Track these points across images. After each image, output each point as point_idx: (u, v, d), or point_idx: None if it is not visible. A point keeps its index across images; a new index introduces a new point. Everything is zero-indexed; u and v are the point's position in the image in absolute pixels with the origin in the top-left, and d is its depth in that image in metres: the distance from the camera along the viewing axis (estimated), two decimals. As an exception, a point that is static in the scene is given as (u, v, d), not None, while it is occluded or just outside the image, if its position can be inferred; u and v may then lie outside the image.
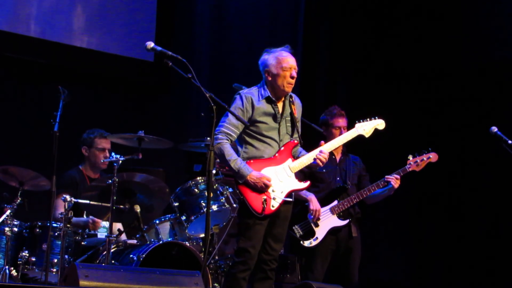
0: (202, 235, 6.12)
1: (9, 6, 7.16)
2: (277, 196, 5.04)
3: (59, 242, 5.59)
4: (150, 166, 6.69)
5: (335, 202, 5.99)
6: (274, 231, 5.10)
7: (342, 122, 6.06)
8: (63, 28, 7.42)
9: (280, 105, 5.16)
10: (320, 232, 5.94)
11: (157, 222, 6.12)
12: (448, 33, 8.42)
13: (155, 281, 4.73)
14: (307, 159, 5.15)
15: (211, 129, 4.66)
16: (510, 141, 5.69)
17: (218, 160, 5.15)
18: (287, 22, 8.61)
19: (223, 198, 6.05)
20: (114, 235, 5.77)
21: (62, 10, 7.39)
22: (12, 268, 5.45)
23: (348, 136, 5.46)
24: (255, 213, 4.97)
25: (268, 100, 5.11)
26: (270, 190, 5.02)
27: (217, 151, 4.96)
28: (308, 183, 5.18)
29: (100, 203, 5.71)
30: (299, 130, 5.27)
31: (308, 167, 5.27)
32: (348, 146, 6.11)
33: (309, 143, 5.35)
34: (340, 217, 5.99)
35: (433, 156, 6.02)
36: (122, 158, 5.72)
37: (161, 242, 5.79)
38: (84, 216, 6.14)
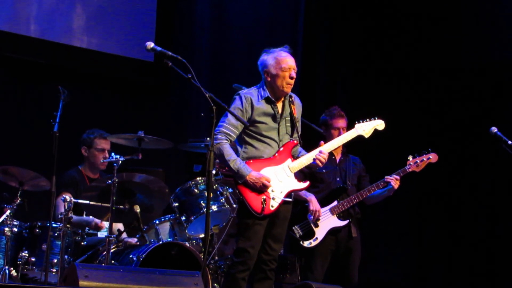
0: (202, 236, 6.12)
1: (9, 6, 7.16)
2: (276, 196, 5.04)
3: (59, 242, 5.59)
4: (150, 167, 6.69)
5: (335, 203, 5.99)
6: (273, 231, 5.10)
7: (341, 123, 6.06)
8: (63, 28, 7.42)
9: (279, 105, 5.16)
10: (320, 233, 5.94)
11: (157, 222, 6.12)
12: (448, 33, 8.42)
13: (155, 281, 4.73)
14: (306, 159, 5.15)
15: (211, 129, 4.66)
16: (510, 142, 5.68)
17: (217, 160, 5.15)
18: (287, 22, 8.61)
19: (223, 199, 6.06)
20: (114, 235, 5.77)
21: (62, 10, 7.39)
22: (12, 268, 5.45)
23: (347, 136, 5.46)
24: (254, 213, 4.98)
25: (268, 100, 5.12)
26: (269, 190, 5.02)
27: (217, 151, 4.96)
28: (307, 183, 5.19)
29: (100, 203, 5.71)
30: (299, 130, 5.27)
31: (308, 167, 5.28)
32: (348, 147, 6.11)
33: (309, 143, 5.35)
34: (340, 217, 5.99)
35: (433, 157, 6.02)
36: (122, 159, 5.72)
37: (161, 242, 5.79)
38: (84, 216, 6.14)
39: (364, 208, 6.28)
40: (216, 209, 6.00)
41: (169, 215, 6.19)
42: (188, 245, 5.84)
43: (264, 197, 5.00)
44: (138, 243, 6.02)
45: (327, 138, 5.81)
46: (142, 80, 7.89)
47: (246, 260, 4.98)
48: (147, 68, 7.81)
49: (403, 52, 8.58)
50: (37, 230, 5.71)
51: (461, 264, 8.21)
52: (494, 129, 5.80)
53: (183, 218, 6.02)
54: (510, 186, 7.81)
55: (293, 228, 5.92)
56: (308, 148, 5.27)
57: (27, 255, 5.59)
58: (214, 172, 5.97)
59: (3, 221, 5.56)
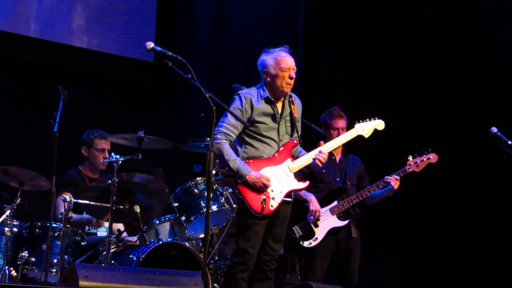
0: (202, 236, 6.12)
1: (9, 6, 7.16)
2: (276, 196, 5.04)
3: (59, 243, 5.59)
4: (149, 167, 6.69)
5: (335, 203, 5.99)
6: (273, 231, 5.10)
7: (340, 123, 6.06)
8: (63, 28, 7.42)
9: (279, 105, 5.16)
10: (320, 233, 5.94)
11: (157, 222, 6.12)
12: (448, 33, 8.42)
13: (154, 281, 4.72)
14: (306, 159, 5.15)
15: (211, 129, 4.67)
16: (510, 142, 5.68)
17: (217, 160, 5.15)
18: (287, 22, 8.61)
19: (223, 199, 6.05)
20: (114, 235, 5.77)
21: (62, 10, 7.39)
22: (11, 269, 5.45)
23: (347, 136, 5.46)
24: (254, 213, 4.97)
25: (267, 100, 5.12)
26: (269, 190, 5.02)
27: (216, 151, 4.96)
28: (307, 183, 5.18)
29: (100, 204, 5.71)
30: (299, 130, 5.27)
31: (308, 167, 5.28)
32: (348, 147, 6.11)
33: (309, 143, 5.35)
34: (340, 217, 5.99)
35: (433, 157, 6.02)
36: (121, 159, 5.72)
37: (160, 242, 5.79)
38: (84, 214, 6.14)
39: (364, 208, 6.28)
40: (216, 209, 5.99)
41: (169, 215, 6.19)
42: (188, 245, 5.84)
43: (264, 197, 5.00)
44: (138, 242, 6.02)
45: (327, 138, 5.81)
46: (142, 80, 7.89)
47: (246, 260, 4.98)
48: (147, 68, 7.81)
49: (403, 52, 8.58)
50: (37, 230, 5.70)
51: (461, 264, 8.21)
52: (494, 129, 5.80)
53: (183, 218, 6.02)
54: (510, 186, 7.81)
55: (293, 228, 5.92)
56: (308, 148, 5.27)
57: (27, 255, 5.59)
58: (214, 172, 5.97)
59: (3, 221, 5.56)
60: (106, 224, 6.06)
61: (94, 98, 7.54)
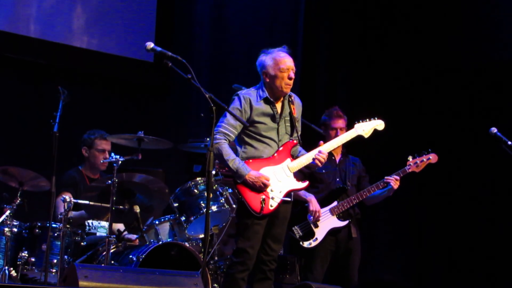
0: (202, 236, 6.12)
1: (9, 6, 7.16)
2: (275, 195, 5.04)
3: (59, 243, 5.59)
4: (149, 167, 6.68)
5: (335, 203, 5.99)
6: (273, 231, 5.10)
7: (339, 123, 6.06)
8: (63, 28, 7.42)
9: (278, 105, 5.16)
10: (320, 233, 5.94)
11: (157, 222, 6.12)
12: (448, 33, 8.42)
13: (154, 281, 4.72)
14: (305, 159, 5.15)
15: (210, 129, 4.67)
16: (510, 142, 5.67)
17: (217, 160, 5.15)
18: (287, 22, 8.61)
19: (223, 199, 6.05)
20: (114, 236, 5.77)
21: (62, 10, 7.39)
22: (11, 269, 5.45)
23: (347, 136, 5.46)
24: (253, 213, 4.97)
25: (266, 101, 5.11)
26: (268, 189, 5.02)
27: (215, 151, 4.96)
28: (306, 183, 5.18)
29: (99, 204, 5.71)
30: (299, 130, 5.27)
31: (308, 167, 5.28)
32: (348, 147, 6.11)
33: (308, 144, 5.35)
34: (340, 218, 5.99)
35: (432, 157, 6.02)
36: (121, 159, 5.72)
37: (160, 242, 5.79)
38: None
39: (364, 208, 6.28)
40: (216, 209, 5.99)
41: (169, 216, 6.19)
42: (187, 245, 5.84)
43: (264, 196, 5.00)
44: (137, 242, 6.02)
45: (326, 138, 5.82)
46: (142, 80, 7.89)
47: (245, 260, 4.98)
48: (147, 68, 7.81)
49: (403, 52, 8.58)
50: (37, 230, 5.70)
51: (461, 264, 8.21)
52: (494, 130, 5.79)
53: (183, 218, 6.02)
54: (510, 187, 7.81)
55: (293, 228, 5.92)
56: (308, 148, 5.27)
57: (26, 255, 5.58)
58: (214, 172, 5.97)
59: (3, 221, 5.56)
60: (103, 224, 6.07)
61: (94, 98, 7.54)
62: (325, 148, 5.20)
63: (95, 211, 5.87)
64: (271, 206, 5.02)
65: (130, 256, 5.59)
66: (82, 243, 5.81)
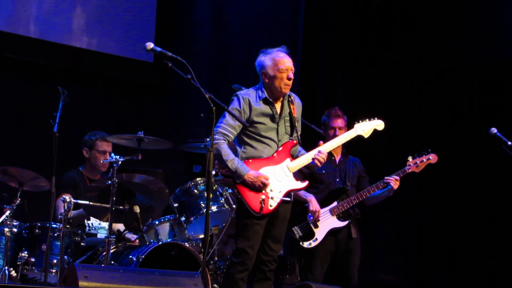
0: (202, 236, 6.12)
1: (8, 6, 7.16)
2: (275, 195, 5.04)
3: (59, 243, 5.58)
4: (149, 167, 6.69)
5: (335, 203, 5.99)
6: (273, 231, 5.10)
7: (337, 122, 6.05)
8: (63, 28, 7.41)
9: (278, 105, 5.16)
10: (320, 233, 5.94)
11: (157, 223, 6.12)
12: (448, 33, 8.42)
13: (154, 282, 4.72)
14: (305, 159, 5.15)
15: (210, 130, 4.67)
16: (509, 142, 5.67)
17: (216, 161, 5.15)
18: (287, 22, 8.61)
19: (223, 199, 6.05)
20: (114, 236, 5.77)
21: (62, 10, 7.39)
22: (11, 269, 5.45)
23: (347, 136, 5.46)
24: (253, 213, 4.97)
25: (266, 101, 5.11)
26: (268, 189, 5.02)
27: (214, 152, 4.95)
28: (306, 183, 5.18)
29: (99, 204, 5.71)
30: (299, 129, 5.27)
31: (308, 167, 5.28)
32: (347, 147, 6.11)
33: (308, 144, 5.35)
34: (340, 218, 5.98)
35: (432, 158, 6.01)
36: (121, 159, 5.72)
37: (160, 243, 5.79)
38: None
39: (364, 208, 6.28)
40: (216, 209, 5.99)
41: (169, 216, 6.19)
42: (187, 245, 5.84)
43: (263, 196, 5.00)
44: (137, 240, 6.02)
45: (326, 138, 5.82)
46: (142, 80, 7.88)
47: (245, 260, 4.98)
48: (147, 68, 7.81)
49: (403, 52, 8.58)
50: (37, 231, 5.70)
51: (461, 264, 8.21)
52: (494, 130, 5.79)
53: (183, 218, 6.02)
54: (510, 187, 7.81)
55: (293, 228, 5.92)
56: (308, 148, 5.27)
57: (26, 255, 5.58)
58: (213, 172, 5.97)
59: (2, 221, 5.55)
60: (103, 225, 6.07)
61: (94, 98, 7.54)
62: (325, 148, 5.20)
63: (95, 211, 5.87)
64: (271, 206, 5.02)
65: (130, 256, 5.59)
66: (82, 243, 5.81)
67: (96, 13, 7.60)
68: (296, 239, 5.95)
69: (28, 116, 7.13)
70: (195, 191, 6.05)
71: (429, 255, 8.45)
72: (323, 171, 6.03)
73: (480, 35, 8.25)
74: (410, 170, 5.99)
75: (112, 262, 5.63)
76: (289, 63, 5.09)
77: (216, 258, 6.16)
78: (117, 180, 5.62)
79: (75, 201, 5.66)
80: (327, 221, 5.96)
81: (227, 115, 5.03)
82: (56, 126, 5.44)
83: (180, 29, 8.13)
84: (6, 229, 5.54)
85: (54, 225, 5.64)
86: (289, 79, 5.08)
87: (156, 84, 7.94)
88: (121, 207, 5.78)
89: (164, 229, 6.13)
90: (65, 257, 5.64)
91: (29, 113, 7.15)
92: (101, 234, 6.18)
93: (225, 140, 5.04)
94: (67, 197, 5.61)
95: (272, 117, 5.12)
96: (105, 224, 6.01)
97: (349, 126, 5.69)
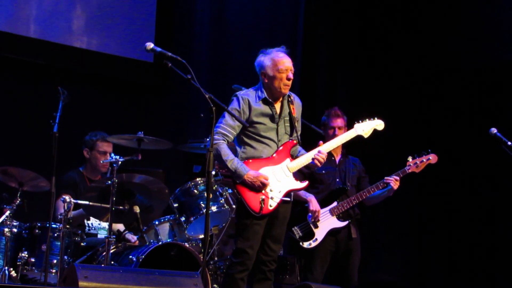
0: (202, 236, 6.12)
1: (8, 7, 7.16)
2: (275, 195, 5.04)
3: (59, 243, 5.59)
4: (149, 167, 6.68)
5: (335, 204, 5.99)
6: (272, 232, 5.09)
7: (336, 122, 6.05)
8: (63, 28, 7.41)
9: (277, 105, 5.15)
10: (320, 233, 5.93)
11: (157, 223, 6.12)
12: (448, 33, 8.42)
13: (154, 282, 4.72)
14: (305, 159, 5.15)
15: (210, 130, 4.66)
16: (509, 143, 5.67)
17: (216, 161, 5.15)
18: (287, 22, 8.61)
19: (223, 199, 6.05)
20: (114, 236, 5.76)
21: (62, 10, 7.39)
22: (11, 269, 5.45)
23: (346, 136, 5.45)
24: (252, 213, 4.97)
25: (265, 101, 5.11)
26: (268, 189, 5.01)
27: (214, 152, 4.95)
28: (306, 183, 5.18)
29: (99, 204, 5.71)
30: (299, 129, 5.26)
31: (308, 167, 5.27)
32: (347, 147, 6.11)
33: (308, 144, 5.35)
34: (340, 218, 5.98)
35: (432, 158, 6.01)
36: (121, 159, 5.72)
37: (160, 243, 5.79)
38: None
39: (364, 209, 6.28)
40: (216, 210, 5.99)
41: (169, 216, 6.19)
42: (187, 245, 5.84)
43: (263, 196, 5.00)
44: (137, 242, 6.02)
45: (326, 138, 5.82)
46: (142, 80, 7.89)
47: (245, 260, 4.98)
48: (147, 68, 7.81)
49: (403, 52, 8.58)
50: (37, 231, 5.70)
51: (461, 264, 8.21)
52: (494, 130, 5.78)
53: (183, 218, 6.02)
54: (510, 187, 7.81)
55: (293, 229, 5.92)
56: (308, 148, 5.26)
57: (26, 255, 5.58)
58: (213, 173, 5.97)
59: (2, 221, 5.55)
60: (103, 226, 6.07)
61: (94, 98, 7.54)
62: (325, 148, 5.19)
63: (95, 212, 5.87)
64: (270, 206, 5.02)
65: (130, 257, 5.59)
66: (82, 244, 5.81)
67: (96, 13, 7.60)
68: (296, 239, 5.95)
69: (28, 116, 7.13)
70: (195, 191, 6.05)
71: (429, 255, 8.45)
72: (323, 171, 6.03)
73: (480, 35, 8.25)
74: (410, 171, 5.99)
75: (112, 262, 5.64)
76: (288, 63, 5.09)
77: (216, 258, 6.16)
78: (117, 180, 5.62)
79: (75, 201, 5.66)
80: (327, 221, 5.95)
81: (226, 115, 5.03)
82: (56, 126, 5.44)
83: (180, 29, 8.13)
84: (6, 229, 5.54)
85: (54, 225, 5.64)
86: (288, 79, 5.08)
87: (156, 84, 7.94)
88: (121, 207, 5.78)
89: (164, 229, 6.13)
90: (65, 257, 5.64)
91: (29, 113, 7.15)
92: (101, 235, 6.18)
93: (224, 140, 5.03)
94: (67, 197, 5.61)
95: (272, 117, 5.12)
96: (105, 224, 6.01)
97: (349, 126, 5.69)
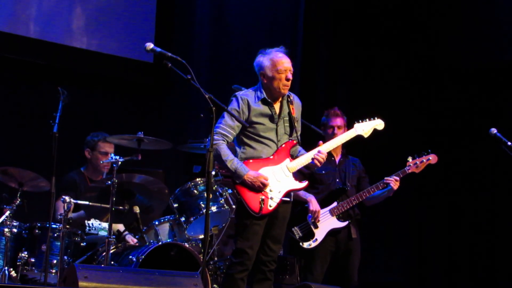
0: (201, 236, 6.12)
1: (8, 7, 7.17)
2: (274, 196, 5.03)
3: (59, 243, 5.59)
4: (149, 167, 6.68)
5: (335, 204, 5.99)
6: (272, 232, 5.09)
7: (336, 121, 6.05)
8: (63, 29, 7.42)
9: (277, 106, 5.15)
10: (320, 234, 5.93)
11: (157, 223, 6.12)
12: (448, 33, 8.42)
13: (154, 282, 4.72)
14: (305, 159, 5.15)
15: (210, 130, 4.66)
16: (509, 143, 5.67)
17: (216, 161, 5.15)
18: (287, 22, 8.61)
19: (222, 199, 6.05)
20: (113, 236, 5.76)
21: (62, 11, 7.39)
22: (11, 269, 5.46)
23: (346, 136, 5.45)
24: (252, 213, 4.97)
25: (264, 101, 5.11)
26: (267, 189, 5.01)
27: (214, 152, 4.94)
28: (305, 183, 5.17)
29: (99, 204, 5.71)
30: (298, 129, 5.26)
31: (307, 167, 5.27)
32: (347, 147, 6.10)
33: (308, 144, 5.34)
34: (340, 218, 5.98)
35: (432, 158, 6.01)
36: (121, 159, 5.72)
37: (160, 243, 5.79)
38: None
39: (364, 209, 6.28)
40: (216, 210, 5.99)
41: (169, 216, 6.19)
42: (187, 246, 5.84)
43: (263, 197, 5.00)
44: (137, 243, 6.02)
45: (326, 138, 5.81)
46: (142, 80, 7.89)
47: (245, 260, 4.98)
48: (147, 68, 7.81)
49: (403, 52, 8.58)
50: (37, 231, 5.70)
51: (461, 264, 8.21)
52: (494, 130, 5.78)
53: (183, 219, 6.02)
54: (510, 187, 7.81)
55: (293, 229, 5.91)
56: (308, 148, 5.26)
57: (26, 256, 5.59)
58: (213, 173, 5.97)
59: (2, 221, 5.56)
60: (103, 226, 6.07)
61: (94, 99, 7.55)
62: (324, 148, 5.19)
63: (94, 212, 5.87)
64: (270, 206, 5.02)
65: (130, 257, 5.59)
66: (82, 244, 5.81)
67: (96, 13, 7.60)
68: (296, 239, 5.94)
69: (28, 116, 7.14)
70: (195, 191, 6.05)
71: (429, 255, 8.45)
72: (323, 172, 6.03)
73: (480, 35, 8.25)
74: (410, 171, 5.99)
75: (112, 262, 5.64)
76: (287, 64, 5.08)
77: (216, 258, 6.16)
78: (117, 180, 5.62)
79: (75, 201, 5.66)
80: (327, 222, 5.95)
81: (226, 115, 5.03)
82: (56, 126, 5.44)
83: (180, 29, 8.13)
84: (6, 230, 5.55)
85: (54, 226, 5.64)
86: (287, 79, 5.07)
87: (156, 84, 7.94)
88: (121, 207, 5.78)
89: (164, 230, 6.13)
90: (65, 257, 5.64)
91: (29, 113, 7.15)
92: (101, 232, 6.17)
93: (224, 141, 5.03)
94: (67, 198, 5.61)
95: (271, 118, 5.11)
96: (105, 225, 6.00)
97: (349, 126, 5.69)
